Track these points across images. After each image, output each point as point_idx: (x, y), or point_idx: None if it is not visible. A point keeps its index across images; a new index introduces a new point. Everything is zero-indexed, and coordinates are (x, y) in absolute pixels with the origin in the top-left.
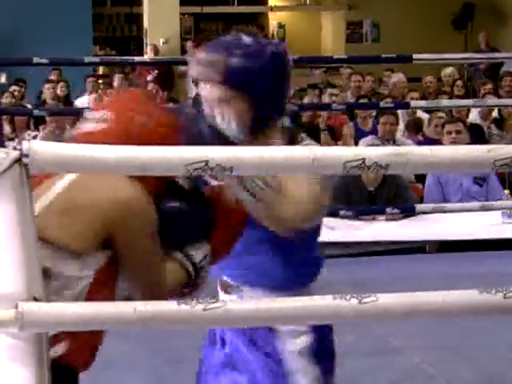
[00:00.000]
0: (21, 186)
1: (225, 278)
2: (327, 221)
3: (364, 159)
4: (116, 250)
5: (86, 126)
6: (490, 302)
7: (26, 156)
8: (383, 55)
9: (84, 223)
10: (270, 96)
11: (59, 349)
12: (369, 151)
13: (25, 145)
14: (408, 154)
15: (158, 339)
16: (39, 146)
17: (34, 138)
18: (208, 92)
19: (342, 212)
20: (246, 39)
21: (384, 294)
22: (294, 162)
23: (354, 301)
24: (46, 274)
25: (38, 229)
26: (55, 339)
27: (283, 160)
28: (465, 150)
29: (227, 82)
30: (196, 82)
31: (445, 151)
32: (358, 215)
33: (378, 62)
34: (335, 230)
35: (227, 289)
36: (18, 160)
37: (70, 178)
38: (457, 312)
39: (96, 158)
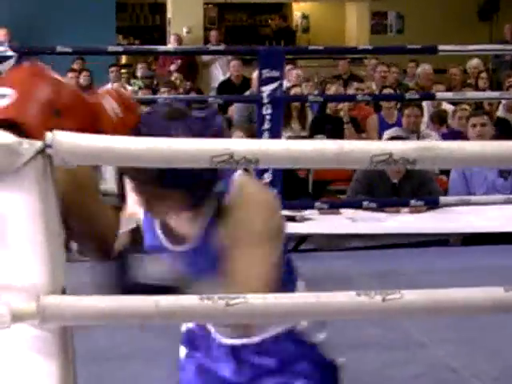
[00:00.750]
0: (44, 177)
1: None
2: (351, 213)
3: (391, 154)
4: None
5: None
6: None
7: (50, 147)
8: (408, 46)
9: None
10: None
11: None
12: (396, 146)
13: (48, 135)
14: (435, 149)
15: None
16: (63, 137)
17: None
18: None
19: (365, 204)
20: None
21: (408, 291)
22: (320, 155)
23: (378, 298)
24: None
25: None
26: None
27: (310, 153)
28: (492, 146)
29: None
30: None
31: (472, 146)
32: (381, 207)
33: (402, 52)
34: (358, 221)
35: None
36: (42, 151)
37: None
38: (481, 310)
39: (120, 150)
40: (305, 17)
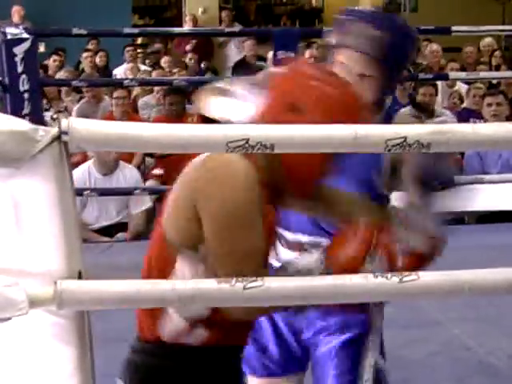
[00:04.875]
0: (60, 163)
1: (293, 236)
2: None
3: (406, 137)
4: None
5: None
6: None
7: (66, 133)
8: (422, 26)
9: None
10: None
11: (204, 332)
12: (410, 129)
13: (64, 122)
14: (449, 132)
15: None
16: (79, 124)
17: (66, 108)
18: (354, 62)
19: None
20: (394, 17)
21: (425, 273)
22: (335, 139)
23: (395, 279)
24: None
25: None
26: (200, 324)
27: (325, 138)
28: (507, 128)
29: (382, 60)
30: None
31: (487, 129)
32: None
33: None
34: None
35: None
36: (58, 137)
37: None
38: (498, 290)
39: (136, 135)
40: None
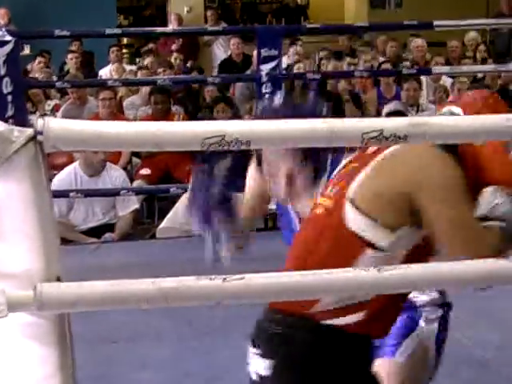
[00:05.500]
0: (36, 164)
1: None
2: None
3: (382, 130)
4: (426, 217)
5: None
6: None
7: (41, 133)
8: (405, 22)
9: (390, 197)
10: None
11: (352, 318)
12: (386, 122)
13: (39, 122)
14: (426, 124)
15: (185, 311)
16: (54, 124)
17: (54, 108)
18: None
19: None
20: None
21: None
22: (312, 134)
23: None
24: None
25: (356, 197)
26: (349, 309)
27: (301, 133)
28: (483, 120)
29: None
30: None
31: (463, 120)
32: None
33: (399, 28)
34: None
35: None
36: (33, 138)
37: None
38: (481, 281)
39: (111, 134)
40: None
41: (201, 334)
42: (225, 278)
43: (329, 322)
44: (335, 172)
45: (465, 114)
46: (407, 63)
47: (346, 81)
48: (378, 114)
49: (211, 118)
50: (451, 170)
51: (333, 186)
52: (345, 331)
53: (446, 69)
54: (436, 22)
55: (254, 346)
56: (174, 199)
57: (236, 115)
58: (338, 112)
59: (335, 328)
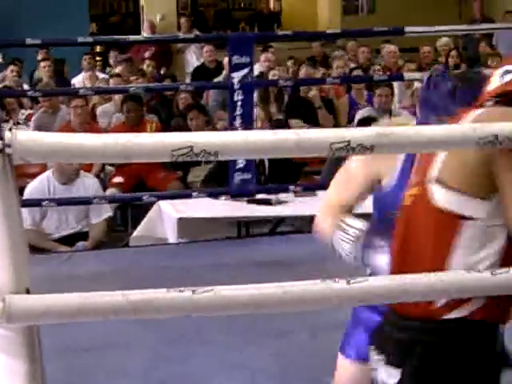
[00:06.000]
0: (4, 176)
1: None
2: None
3: (349, 141)
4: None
5: None
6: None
7: (9, 146)
8: (376, 28)
9: (476, 166)
10: None
11: (468, 308)
12: (354, 133)
13: (7, 135)
14: (392, 134)
15: (156, 319)
16: (22, 136)
17: (27, 117)
18: None
19: None
20: None
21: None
22: (279, 145)
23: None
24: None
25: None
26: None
27: (269, 143)
28: (449, 130)
29: None
30: None
31: (429, 131)
32: None
33: (370, 35)
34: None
35: None
36: (1, 151)
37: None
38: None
39: (80, 146)
40: None
41: (171, 341)
42: (194, 291)
43: (454, 314)
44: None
45: None
46: (377, 67)
47: (318, 87)
48: (351, 121)
49: (184, 125)
50: None
51: (415, 173)
52: (471, 320)
53: (418, 75)
54: (407, 28)
55: (379, 353)
56: (148, 207)
57: (209, 122)
58: (310, 118)
59: (462, 319)
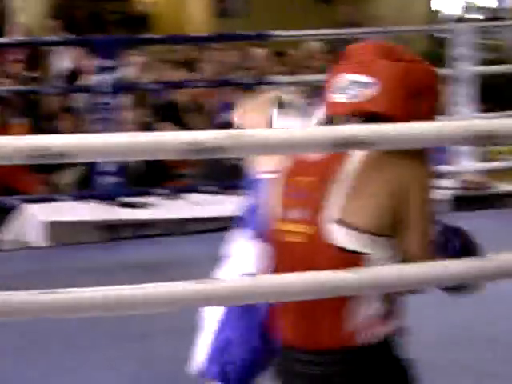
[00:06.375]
0: None
1: None
2: (195, 197)
3: (203, 142)
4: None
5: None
6: None
7: None
8: (242, 33)
9: (374, 204)
10: None
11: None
12: (207, 135)
13: None
14: (244, 136)
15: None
16: None
17: None
18: None
19: (205, 187)
20: None
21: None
22: (135, 147)
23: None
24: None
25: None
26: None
27: (125, 146)
28: (302, 132)
29: None
30: None
31: (282, 133)
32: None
33: (235, 39)
34: (202, 205)
35: None
36: None
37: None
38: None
39: None
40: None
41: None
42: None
43: (368, 339)
44: (269, 191)
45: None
46: (247, 70)
47: (187, 90)
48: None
49: (53, 128)
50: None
51: (295, 207)
52: (379, 342)
53: (285, 78)
54: (275, 32)
55: None
56: (13, 211)
57: (78, 125)
58: (180, 121)
59: (376, 343)
